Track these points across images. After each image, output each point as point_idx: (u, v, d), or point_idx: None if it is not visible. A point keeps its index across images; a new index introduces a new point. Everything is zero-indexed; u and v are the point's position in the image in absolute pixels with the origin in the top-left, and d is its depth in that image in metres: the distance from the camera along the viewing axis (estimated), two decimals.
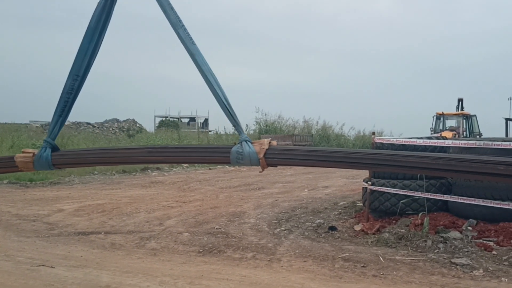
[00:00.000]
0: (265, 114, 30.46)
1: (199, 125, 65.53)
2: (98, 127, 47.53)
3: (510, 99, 38.94)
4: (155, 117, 64.86)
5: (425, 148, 7.30)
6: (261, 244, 6.80)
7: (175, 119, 65.58)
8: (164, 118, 63.73)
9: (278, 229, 7.77)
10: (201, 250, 6.54)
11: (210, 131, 44.18)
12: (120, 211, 9.20)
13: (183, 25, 2.52)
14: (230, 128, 30.99)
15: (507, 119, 23.04)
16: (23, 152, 2.57)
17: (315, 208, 9.70)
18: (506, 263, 5.61)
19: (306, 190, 13.12)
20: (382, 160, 2.29)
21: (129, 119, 52.83)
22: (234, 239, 7.07)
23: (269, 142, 2.47)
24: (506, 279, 5.10)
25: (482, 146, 6.63)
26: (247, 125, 31.09)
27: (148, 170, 17.58)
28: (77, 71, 2.52)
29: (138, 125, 50.88)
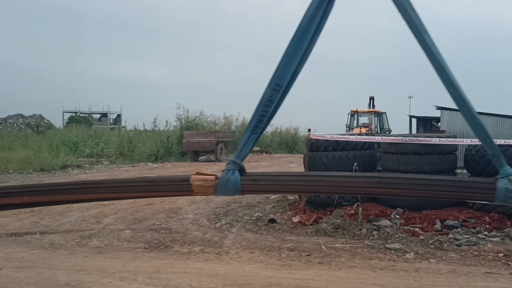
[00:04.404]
0: (187, 111, 30.20)
1: (111, 121, 63.42)
2: (0, 123, 44.28)
3: (410, 97, 42.31)
4: (63, 112, 61.70)
5: (356, 144, 7.87)
6: (206, 238, 6.94)
7: (86, 115, 62.74)
8: (73, 114, 60.66)
9: (219, 224, 7.95)
10: (147, 246, 6.54)
11: (123, 127, 42.80)
12: (51, 211, 8.83)
13: (427, 31, 2.09)
14: (149, 125, 30.42)
15: (411, 116, 25.11)
16: (198, 174, 2.16)
17: (249, 203, 10.00)
18: (432, 246, 6.28)
19: None
20: None
21: (36, 114, 49.80)
22: (179, 234, 7.15)
23: None
24: (434, 260, 5.72)
25: (408, 142, 7.32)
26: (167, 121, 30.63)
27: (69, 168, 16.87)
28: (279, 79, 2.13)
29: (46, 121, 48.05)
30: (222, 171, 2.17)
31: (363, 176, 2.09)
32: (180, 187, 2.20)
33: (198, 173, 2.17)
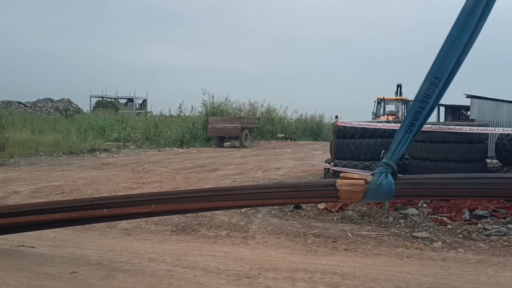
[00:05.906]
0: (212, 96, 30.33)
1: (137, 106, 64.17)
2: (30, 107, 45.30)
3: None
4: (90, 97, 62.69)
5: (384, 132, 7.79)
6: (232, 222, 7.01)
7: (112, 100, 63.60)
8: (100, 99, 61.54)
9: (244, 209, 8.00)
10: (174, 229, 6.65)
11: (149, 112, 43.30)
12: (80, 192, 9.05)
13: None
14: (174, 110, 30.73)
15: (439, 104, 24.64)
16: (344, 178, 1.93)
17: None
18: (460, 235, 6.21)
19: (259, 172, 13.45)
20: None
21: (64, 98, 50.77)
22: (205, 218, 7.23)
23: None
24: (462, 250, 5.66)
25: (438, 130, 7.20)
26: (192, 107, 30.85)
27: (97, 152, 17.23)
28: (438, 72, 1.87)
29: (74, 105, 48.97)
30: (373, 174, 1.95)
31: None
32: (325, 192, 2.06)
33: (343, 177, 1.96)
